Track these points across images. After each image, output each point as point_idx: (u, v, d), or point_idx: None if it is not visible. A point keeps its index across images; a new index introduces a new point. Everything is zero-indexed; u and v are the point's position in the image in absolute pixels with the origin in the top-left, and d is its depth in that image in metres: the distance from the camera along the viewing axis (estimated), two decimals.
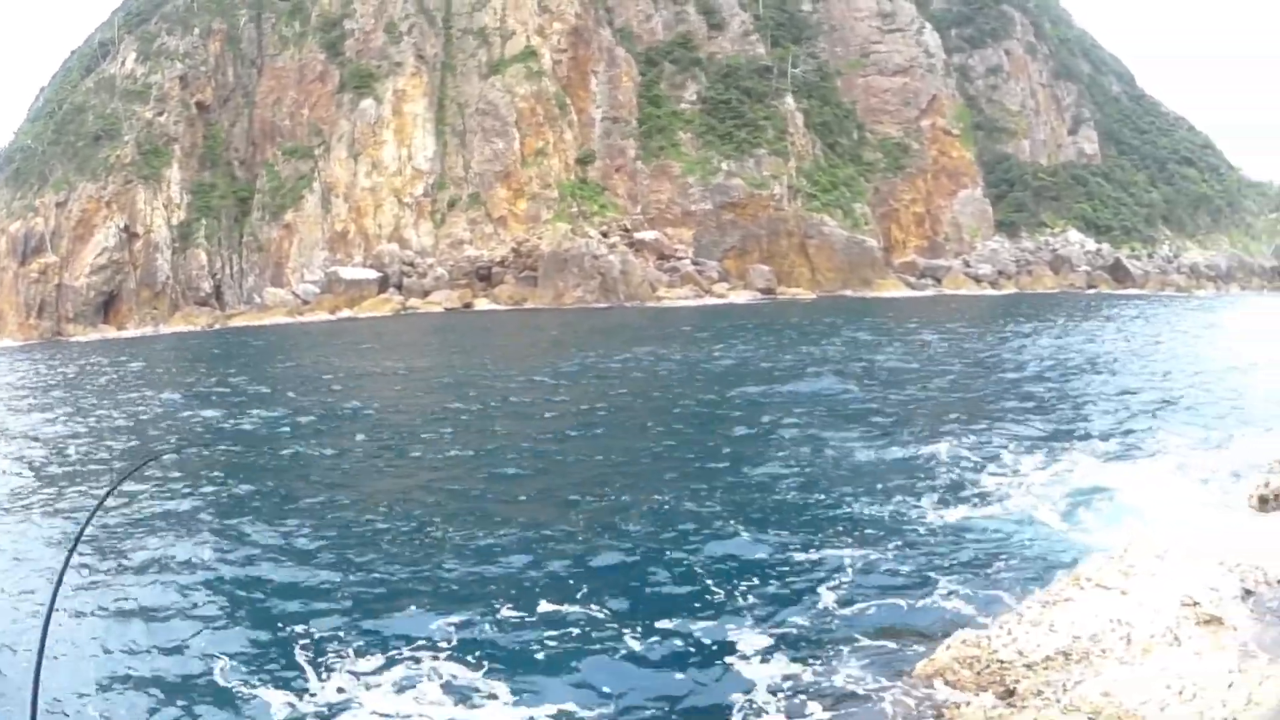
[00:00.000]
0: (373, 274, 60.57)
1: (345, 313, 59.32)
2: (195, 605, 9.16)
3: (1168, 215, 71.90)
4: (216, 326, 61.28)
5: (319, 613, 8.68)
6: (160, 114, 73.67)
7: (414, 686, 7.11)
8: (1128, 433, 15.36)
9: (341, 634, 8.08)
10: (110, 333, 63.92)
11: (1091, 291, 65.04)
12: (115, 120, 73.62)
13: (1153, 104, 79.77)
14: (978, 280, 60.05)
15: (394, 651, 7.67)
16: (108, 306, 66.18)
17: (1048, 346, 29.41)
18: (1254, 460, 11.81)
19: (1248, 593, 6.25)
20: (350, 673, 7.33)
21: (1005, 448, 14.31)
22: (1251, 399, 18.27)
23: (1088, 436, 15.10)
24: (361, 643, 7.89)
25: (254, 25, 72.86)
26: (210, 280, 68.00)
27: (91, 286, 65.73)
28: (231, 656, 7.82)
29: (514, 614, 8.29)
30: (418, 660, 7.51)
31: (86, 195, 68.21)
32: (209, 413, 21.04)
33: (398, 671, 7.33)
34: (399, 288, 59.57)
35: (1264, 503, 10.04)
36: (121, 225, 67.89)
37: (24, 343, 59.77)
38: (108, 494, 3.92)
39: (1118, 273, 66.60)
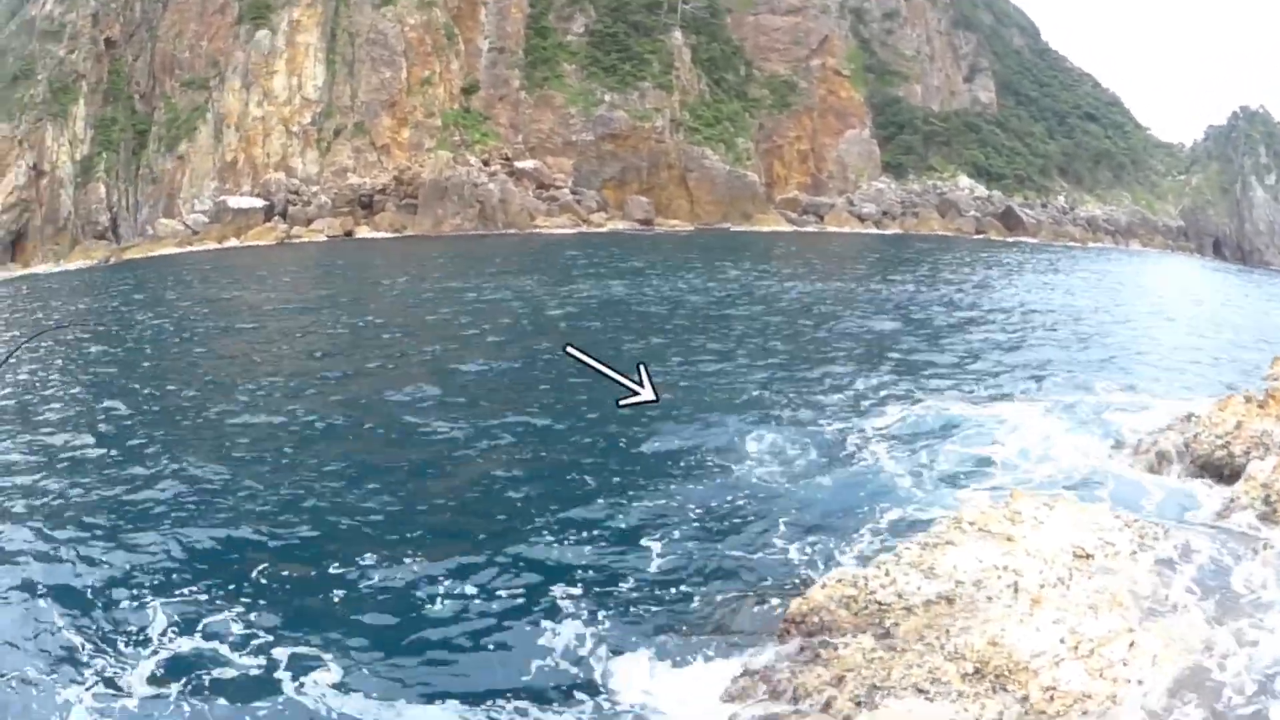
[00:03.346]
0: (259, 203, 60.49)
1: (232, 242, 59.29)
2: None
3: (1065, 168, 72.81)
4: (112, 260, 60.95)
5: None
6: (71, 52, 73.13)
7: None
8: (1008, 379, 15.15)
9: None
10: (17, 270, 63.48)
11: (979, 237, 65.71)
12: (32, 60, 73.00)
13: (1057, 59, 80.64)
14: (861, 219, 60.74)
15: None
16: (15, 245, 65.88)
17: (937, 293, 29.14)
18: (1141, 419, 11.58)
19: (1144, 547, 5.99)
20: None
21: (865, 390, 14.08)
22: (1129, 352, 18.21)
23: (961, 383, 14.95)
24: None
25: None
26: (108, 213, 67.74)
27: (1, 225, 65.31)
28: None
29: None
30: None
31: (1, 136, 67.63)
32: None
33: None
34: (284, 216, 59.51)
35: (1156, 462, 9.78)
36: (31, 164, 67.51)
37: None
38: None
39: (1009, 220, 67.28)
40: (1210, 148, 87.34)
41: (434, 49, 59.19)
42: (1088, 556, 5.82)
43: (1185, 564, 5.86)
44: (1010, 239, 65.21)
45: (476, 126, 57.70)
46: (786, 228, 58.14)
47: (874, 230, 60.80)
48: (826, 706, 5.10)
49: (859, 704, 4.95)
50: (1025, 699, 4.65)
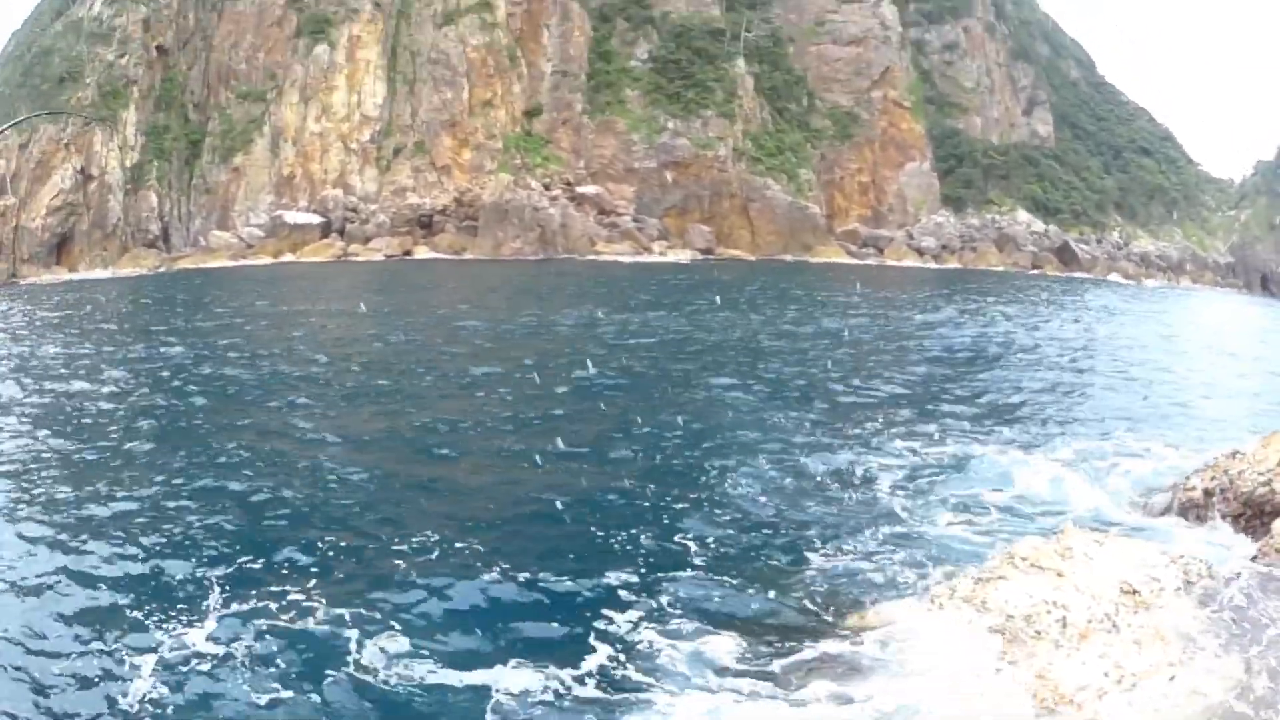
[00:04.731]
0: (316, 219, 60.32)
1: (288, 257, 59.17)
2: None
3: (1120, 203, 72.20)
4: (162, 269, 60.96)
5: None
6: (121, 56, 73.23)
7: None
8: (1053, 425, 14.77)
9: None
10: (63, 274, 63.54)
11: (1035, 272, 65.27)
12: (79, 62, 73.13)
13: (1112, 92, 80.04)
14: (920, 253, 60.25)
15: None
16: (60, 248, 65.81)
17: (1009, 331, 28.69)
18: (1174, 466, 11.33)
19: (1189, 584, 6.12)
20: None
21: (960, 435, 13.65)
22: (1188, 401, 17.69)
23: (1016, 422, 14.60)
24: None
25: None
26: (159, 222, 67.69)
27: (46, 228, 65.27)
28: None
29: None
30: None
31: (48, 137, 67.65)
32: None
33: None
34: (341, 233, 59.36)
35: (1202, 499, 9.64)
36: (78, 167, 67.46)
37: None
38: None
39: (1064, 255, 66.77)
40: (1259, 182, 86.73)
41: (496, 70, 59.00)
42: (1134, 592, 6.00)
43: (1228, 602, 5.97)
44: (1065, 274, 64.78)
45: (538, 150, 57.44)
46: (847, 260, 57.70)
47: (933, 265, 60.34)
48: None
49: None
50: None
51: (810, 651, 6.58)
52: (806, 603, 7.70)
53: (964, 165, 64.13)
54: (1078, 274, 66.16)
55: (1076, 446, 12.88)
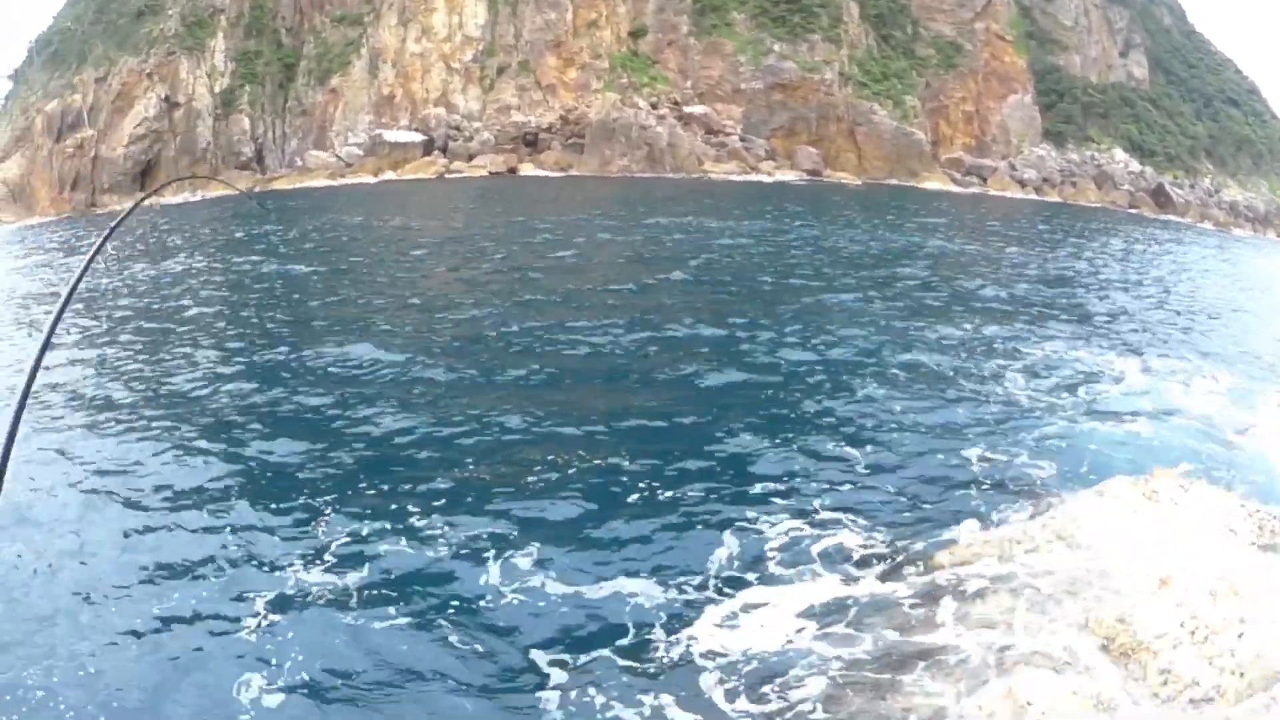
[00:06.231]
0: (418, 137, 60.46)
1: (388, 175, 59.27)
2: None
3: (1210, 150, 71.53)
4: (257, 189, 61.05)
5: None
6: None
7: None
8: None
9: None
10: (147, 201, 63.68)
11: (1133, 212, 64.91)
12: None
13: (1202, 41, 79.28)
14: (1022, 184, 59.90)
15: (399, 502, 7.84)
16: (145, 175, 66.02)
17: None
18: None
19: (1263, 538, 6.11)
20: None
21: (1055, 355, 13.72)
22: None
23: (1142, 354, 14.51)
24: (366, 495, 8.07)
25: None
26: (252, 145, 67.83)
27: (129, 156, 65.43)
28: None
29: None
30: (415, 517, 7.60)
31: (128, 69, 67.79)
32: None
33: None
34: (444, 151, 59.48)
35: None
36: (163, 95, 67.43)
37: (53, 218, 58.92)
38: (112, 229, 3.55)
39: (1159, 197, 66.28)
40: None
41: None
42: (1213, 541, 6.00)
43: None
44: (1161, 216, 64.33)
45: (645, 70, 57.35)
46: (952, 188, 57.43)
47: (1034, 196, 60.00)
48: (960, 663, 5.33)
49: (988, 665, 5.20)
50: (1143, 679, 4.88)
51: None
52: (902, 529, 7.64)
53: (1064, 101, 63.71)
54: (1172, 217, 65.79)
55: (1211, 382, 12.67)
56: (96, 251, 3.25)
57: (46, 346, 2.48)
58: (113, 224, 3.76)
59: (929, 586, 6.36)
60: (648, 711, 5.32)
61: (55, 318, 2.64)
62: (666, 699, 5.41)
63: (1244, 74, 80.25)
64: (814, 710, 5.26)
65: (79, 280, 2.91)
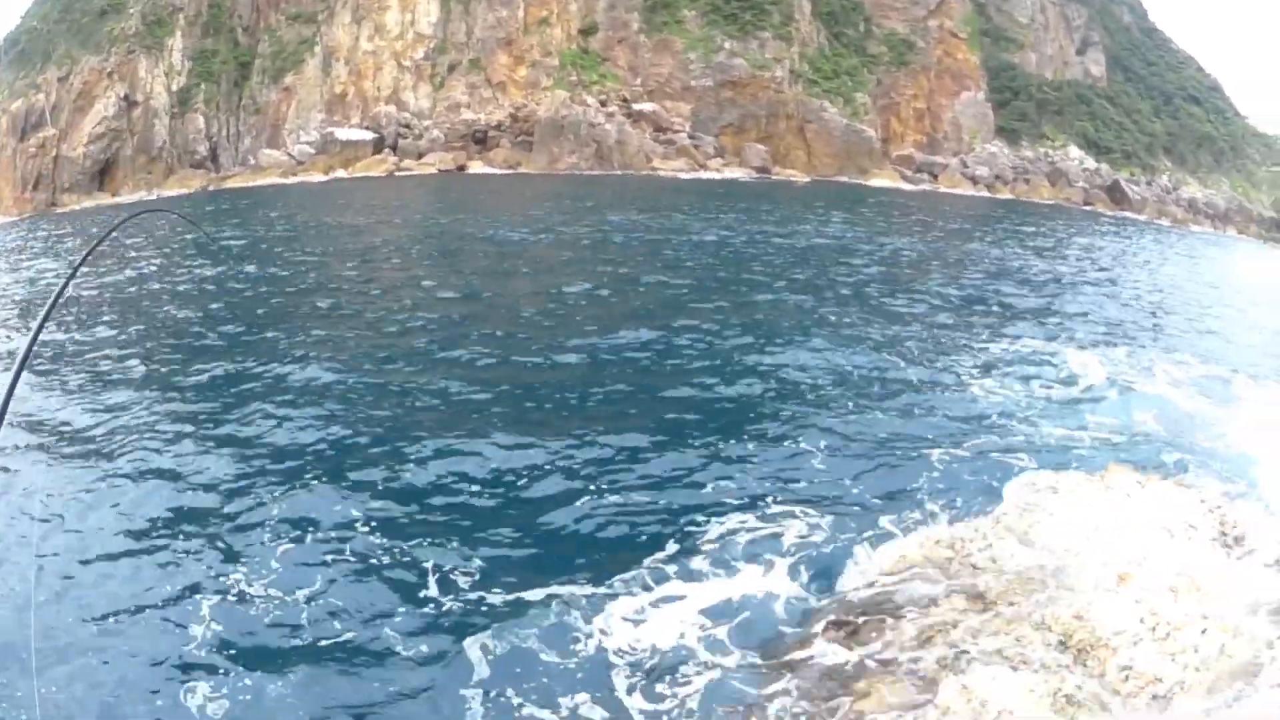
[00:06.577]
0: (368, 135, 60.25)
1: (339, 173, 59.08)
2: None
3: (1169, 148, 71.53)
4: (210, 188, 60.87)
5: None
6: None
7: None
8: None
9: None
10: (105, 199, 63.43)
11: (1087, 208, 64.84)
12: None
13: (1163, 39, 79.32)
14: (974, 181, 59.81)
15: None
16: (103, 174, 65.77)
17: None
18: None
19: (1224, 535, 6.11)
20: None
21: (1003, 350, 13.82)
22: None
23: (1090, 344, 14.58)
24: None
25: None
26: (207, 144, 67.64)
27: (88, 155, 65.21)
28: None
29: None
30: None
31: (89, 68, 67.54)
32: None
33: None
34: (394, 149, 59.29)
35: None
36: (122, 94, 67.28)
37: (15, 218, 58.82)
38: (85, 257, 3.85)
39: (1115, 194, 66.23)
40: None
41: None
42: (1172, 538, 5.96)
43: (1262, 553, 5.95)
44: (1117, 213, 64.30)
45: (595, 67, 57.19)
46: (901, 184, 57.31)
47: (986, 193, 59.91)
48: (913, 665, 5.27)
49: (944, 667, 5.09)
50: (1102, 675, 4.82)
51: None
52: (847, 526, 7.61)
53: (1018, 99, 63.64)
54: (1128, 214, 65.76)
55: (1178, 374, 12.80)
56: (75, 272, 3.38)
57: (20, 372, 2.54)
58: (89, 248, 4.41)
59: (880, 586, 6.28)
60: (564, 712, 5.56)
61: (30, 343, 2.82)
62: (581, 697, 5.66)
63: (1206, 71, 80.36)
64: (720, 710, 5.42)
65: (52, 307, 3.07)
